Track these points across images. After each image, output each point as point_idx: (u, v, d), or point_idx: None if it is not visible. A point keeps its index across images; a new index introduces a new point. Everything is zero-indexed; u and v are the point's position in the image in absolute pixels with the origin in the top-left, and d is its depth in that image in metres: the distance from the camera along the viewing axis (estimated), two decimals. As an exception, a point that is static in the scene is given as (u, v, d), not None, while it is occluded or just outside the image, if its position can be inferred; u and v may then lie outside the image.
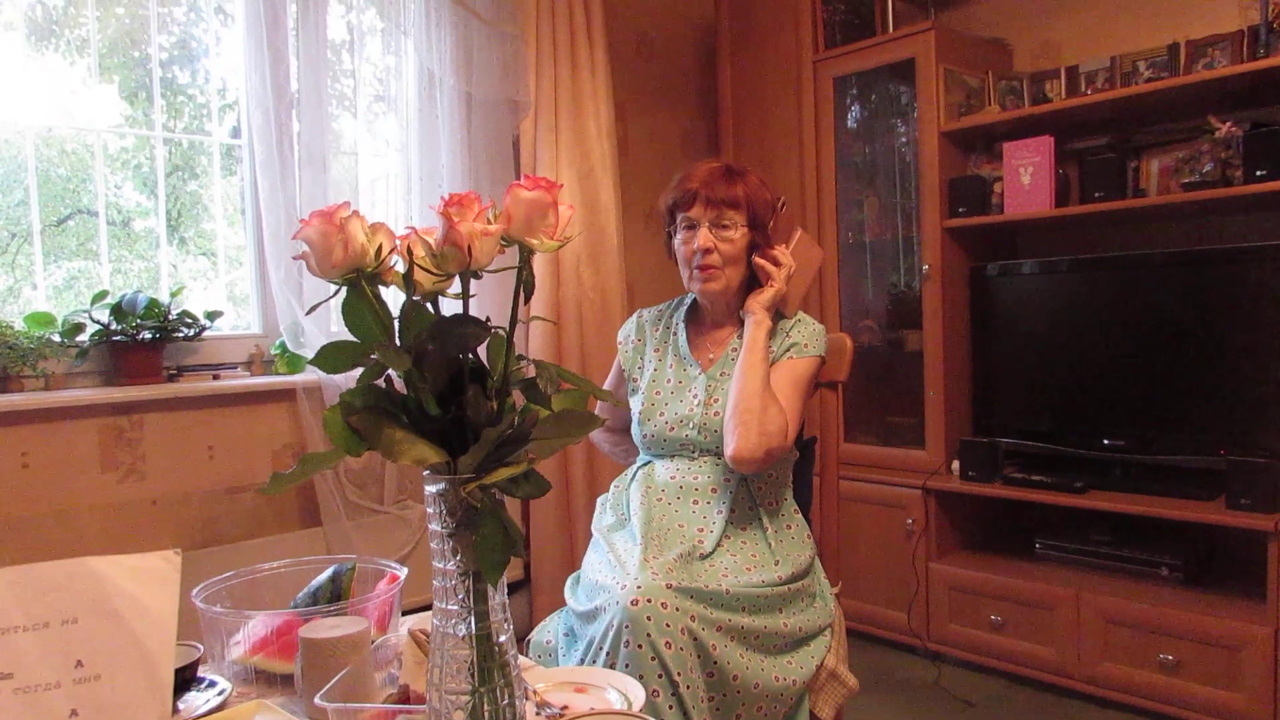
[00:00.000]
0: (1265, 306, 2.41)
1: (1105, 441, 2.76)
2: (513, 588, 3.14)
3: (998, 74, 3.10)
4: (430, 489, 0.82)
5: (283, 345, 2.63)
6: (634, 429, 1.80)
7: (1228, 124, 2.57)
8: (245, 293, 2.76)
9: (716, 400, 1.70)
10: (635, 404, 1.80)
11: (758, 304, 1.71)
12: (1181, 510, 2.47)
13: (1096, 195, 2.72)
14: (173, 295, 2.47)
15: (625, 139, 3.51)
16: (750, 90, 3.48)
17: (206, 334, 2.52)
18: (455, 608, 0.83)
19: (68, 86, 2.45)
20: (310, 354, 2.56)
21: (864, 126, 3.41)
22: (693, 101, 3.84)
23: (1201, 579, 2.61)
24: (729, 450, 1.60)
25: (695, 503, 1.66)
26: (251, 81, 2.54)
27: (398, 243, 0.86)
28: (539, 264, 3.03)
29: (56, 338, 2.29)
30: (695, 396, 1.73)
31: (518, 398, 0.88)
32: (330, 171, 2.68)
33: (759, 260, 1.72)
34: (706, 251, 1.69)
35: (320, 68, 2.64)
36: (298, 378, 2.60)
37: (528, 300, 0.84)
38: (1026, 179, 2.84)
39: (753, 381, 1.62)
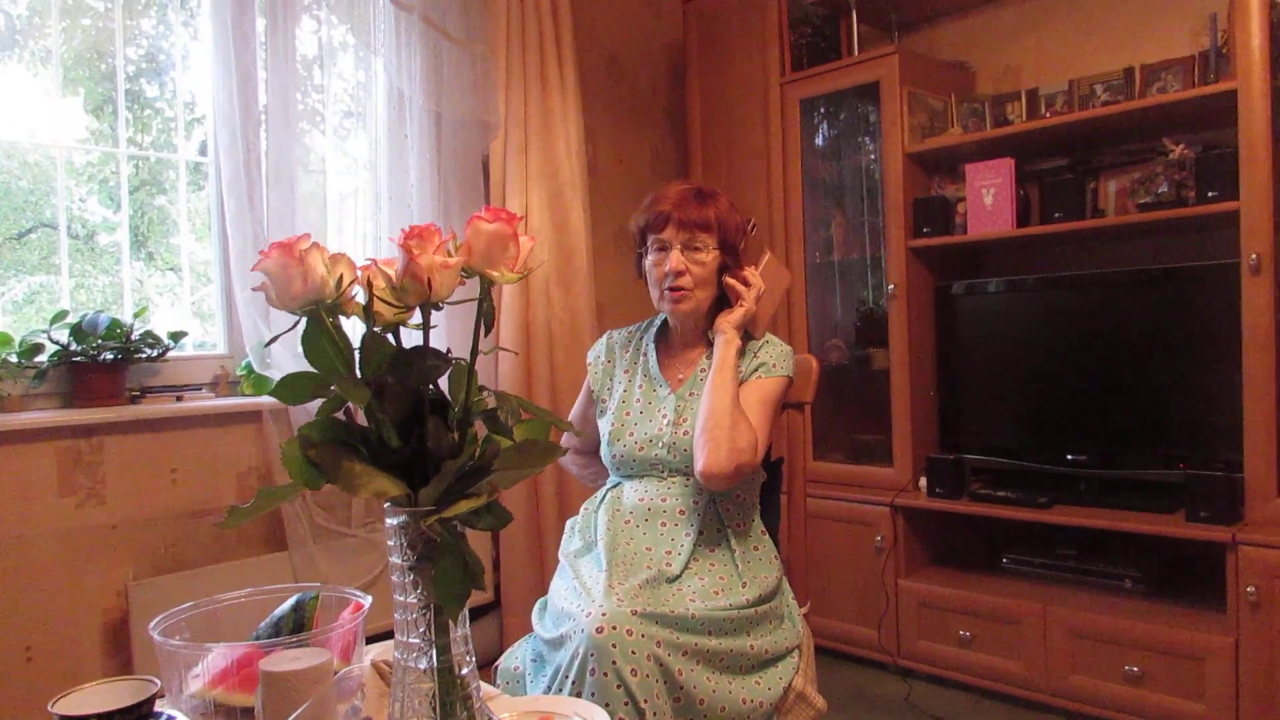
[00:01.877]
0: (1220, 323, 2.46)
1: (1069, 457, 2.79)
2: (483, 610, 3.12)
3: (960, 96, 3.15)
4: (391, 522, 0.82)
5: (248, 366, 2.60)
6: (603, 449, 1.80)
7: (1181, 146, 2.62)
8: (212, 309, 2.73)
9: (686, 420, 1.71)
10: (604, 425, 1.81)
11: (727, 323, 1.72)
12: (1143, 524, 2.51)
13: (1057, 215, 2.77)
14: (136, 315, 2.44)
15: (595, 159, 3.52)
16: (719, 111, 3.51)
17: (170, 354, 2.49)
18: (417, 641, 0.83)
19: (30, 98, 2.42)
20: (277, 374, 2.54)
21: (831, 147, 3.44)
22: (662, 122, 3.86)
23: (1164, 591, 2.65)
24: (699, 466, 1.61)
25: (664, 525, 1.67)
26: (218, 99, 2.52)
27: (359, 273, 0.86)
28: (508, 286, 3.02)
29: (14, 359, 2.25)
30: (665, 416, 1.74)
31: (480, 429, 0.88)
32: (298, 190, 2.65)
33: (729, 281, 1.74)
34: (678, 274, 1.71)
35: (289, 85, 2.62)
36: (264, 399, 2.57)
37: (488, 332, 0.84)
38: (989, 199, 2.88)
39: (722, 398, 1.63)
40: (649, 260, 1.77)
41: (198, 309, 2.74)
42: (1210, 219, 2.52)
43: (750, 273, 1.76)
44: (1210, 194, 2.47)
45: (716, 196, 1.76)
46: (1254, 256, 2.33)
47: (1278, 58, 2.34)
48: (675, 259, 1.70)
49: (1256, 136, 2.34)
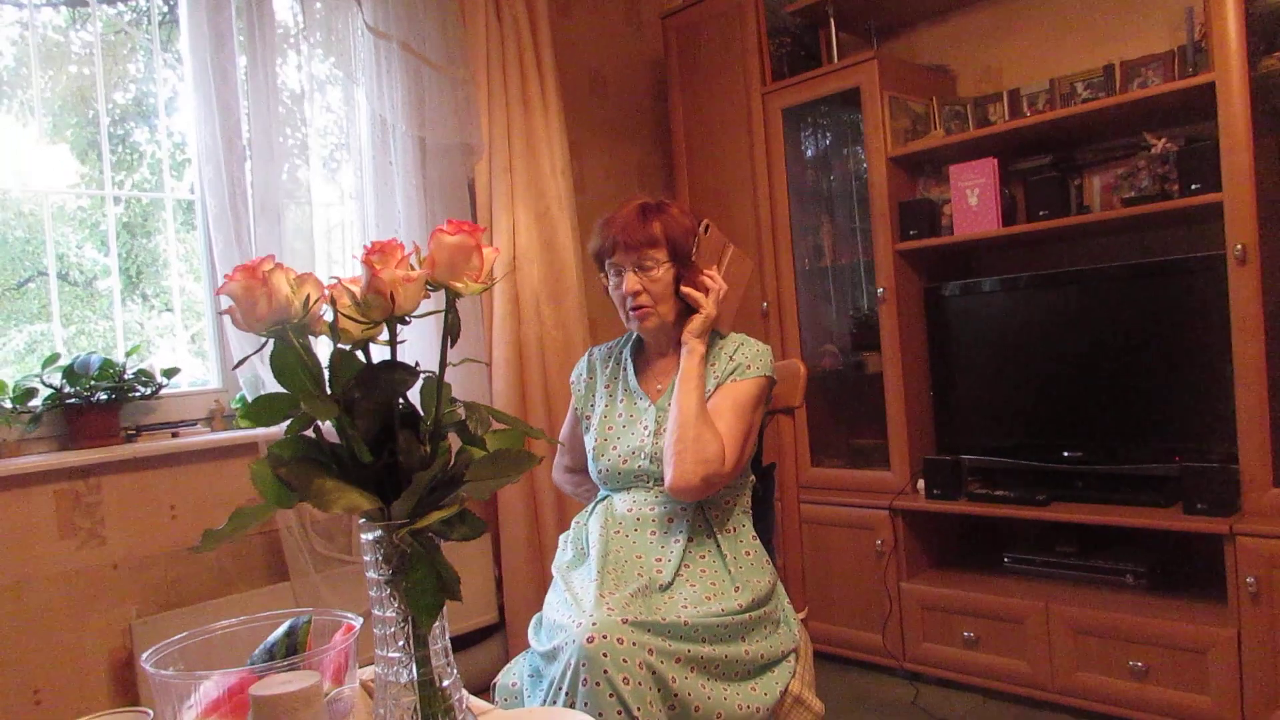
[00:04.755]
0: (1210, 314, 2.46)
1: (1065, 454, 2.79)
2: (488, 631, 3.11)
3: (942, 99, 3.16)
4: (366, 536, 0.83)
5: (243, 399, 2.62)
6: (589, 466, 1.81)
7: (1163, 140, 2.63)
8: (208, 347, 2.75)
9: (665, 430, 1.71)
10: (588, 441, 1.82)
11: (689, 333, 1.73)
12: (1141, 518, 2.51)
13: (1042, 214, 2.78)
14: (128, 354, 2.45)
15: (581, 175, 3.55)
16: (702, 123, 3.53)
17: (165, 391, 2.51)
18: (397, 654, 0.84)
19: (19, 147, 2.44)
20: (271, 406, 2.54)
21: (816, 154, 3.46)
22: (647, 136, 3.89)
23: (1165, 585, 2.64)
24: (667, 481, 1.62)
25: (653, 533, 1.67)
26: (202, 136, 2.54)
27: (326, 292, 0.87)
28: (499, 303, 3.04)
29: (7, 403, 2.26)
30: (646, 428, 1.75)
31: (455, 441, 0.89)
32: (285, 223, 2.67)
33: (685, 290, 1.75)
34: (635, 294, 1.73)
35: (271, 119, 2.64)
36: (260, 431, 2.58)
37: (454, 343, 0.85)
38: (974, 200, 2.89)
39: (687, 410, 1.64)
40: (610, 284, 1.81)
41: (196, 347, 2.75)
42: (1194, 211, 2.52)
43: (709, 275, 1.76)
44: (1193, 186, 2.48)
45: (663, 209, 1.77)
46: (1239, 247, 2.34)
47: (1255, 49, 2.35)
48: (630, 281, 1.73)
49: (1237, 128, 2.34)
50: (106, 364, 2.35)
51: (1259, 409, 2.34)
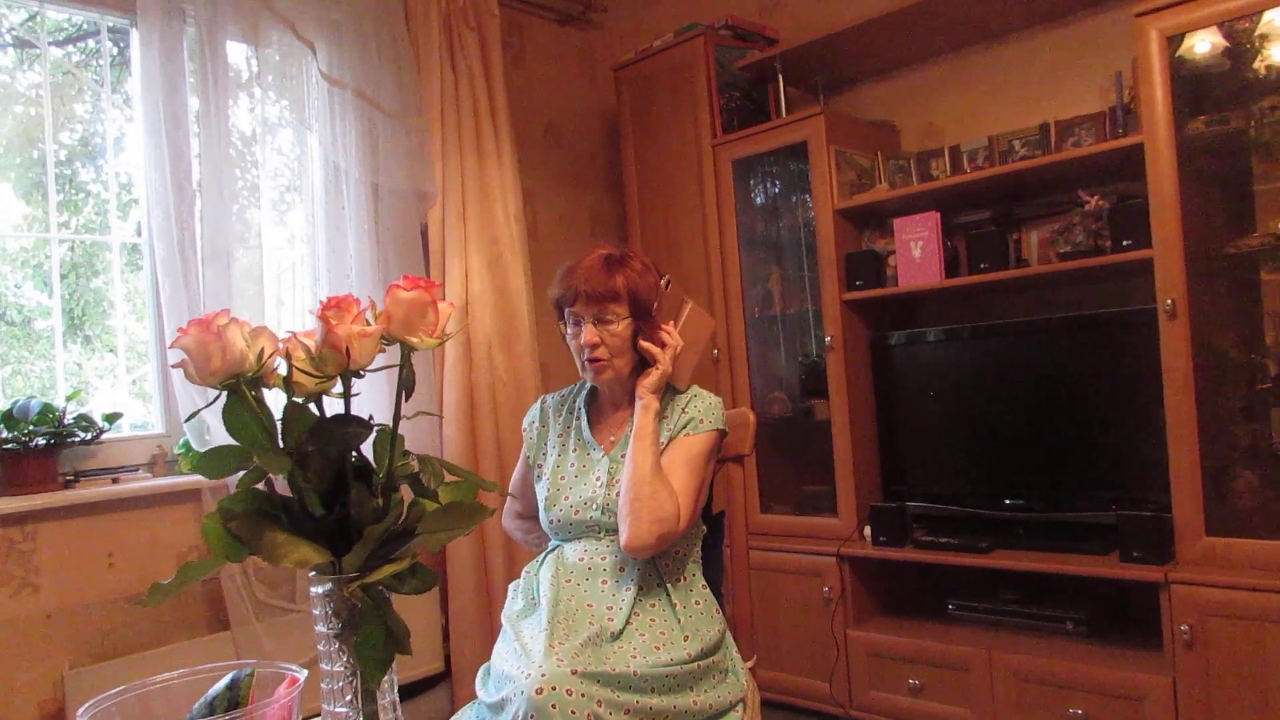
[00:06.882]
0: (1143, 366, 2.54)
1: (1007, 501, 2.85)
2: (434, 680, 3.07)
3: (886, 154, 3.26)
4: (316, 590, 0.83)
5: (186, 444, 2.58)
6: (541, 515, 1.81)
7: (1096, 197, 2.74)
8: (152, 390, 2.70)
9: (619, 481, 1.72)
10: (540, 490, 1.82)
11: (644, 388, 1.74)
12: (1080, 566, 2.56)
13: (982, 266, 2.86)
14: (69, 399, 2.41)
15: (535, 222, 3.58)
16: (654, 174, 3.59)
17: (106, 436, 2.46)
18: (344, 710, 0.83)
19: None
20: (215, 451, 2.51)
21: (765, 205, 3.53)
22: (600, 184, 3.94)
23: (1104, 632, 2.69)
24: (622, 540, 1.63)
25: (604, 582, 1.68)
26: (151, 180, 2.53)
27: (280, 345, 0.87)
28: (451, 349, 3.04)
29: (-58, 448, 2.21)
30: (598, 479, 1.75)
31: (407, 493, 0.89)
32: (235, 266, 2.65)
33: (644, 345, 1.76)
34: (593, 346, 1.74)
35: (223, 163, 2.64)
36: (203, 477, 2.54)
37: (409, 397, 0.86)
38: (917, 252, 2.97)
39: (641, 468, 1.65)
40: (568, 333, 1.81)
41: (138, 389, 2.71)
42: (1127, 266, 2.61)
43: (666, 332, 1.78)
44: (1125, 243, 2.57)
45: (626, 261, 1.77)
46: (1169, 302, 2.43)
47: (1181, 112, 2.46)
48: (589, 333, 1.73)
49: (1165, 187, 2.44)
50: (46, 409, 2.30)
51: (1190, 459, 2.41)
